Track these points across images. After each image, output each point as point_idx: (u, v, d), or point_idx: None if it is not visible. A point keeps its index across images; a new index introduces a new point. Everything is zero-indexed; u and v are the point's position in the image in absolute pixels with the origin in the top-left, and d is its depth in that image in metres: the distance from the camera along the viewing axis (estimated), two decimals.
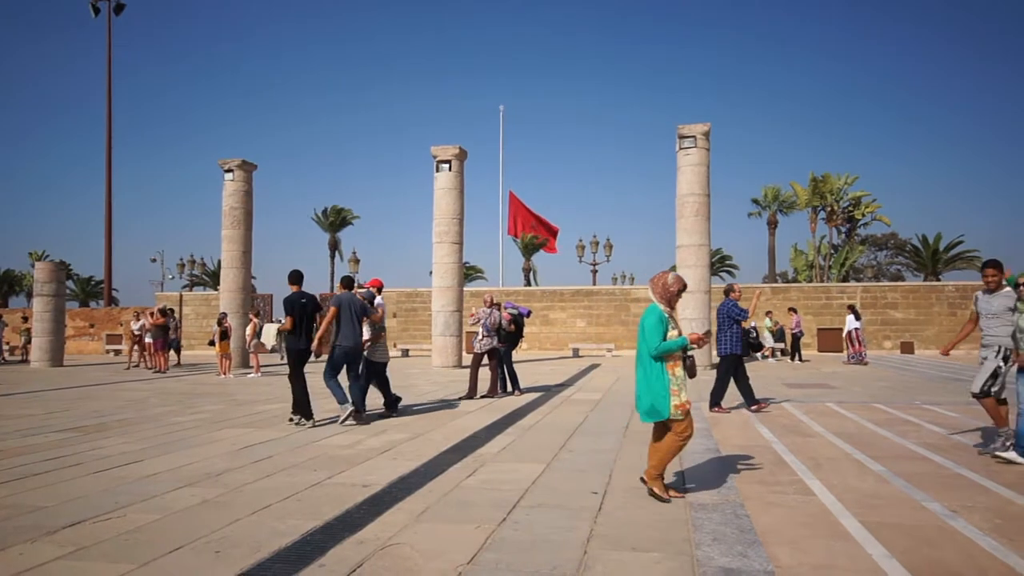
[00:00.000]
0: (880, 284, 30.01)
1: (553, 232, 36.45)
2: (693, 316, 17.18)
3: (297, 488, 5.10)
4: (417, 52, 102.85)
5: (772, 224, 44.26)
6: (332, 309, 8.36)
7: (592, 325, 26.67)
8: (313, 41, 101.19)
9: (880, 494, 4.87)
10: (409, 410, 9.56)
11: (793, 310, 21.76)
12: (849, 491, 4.94)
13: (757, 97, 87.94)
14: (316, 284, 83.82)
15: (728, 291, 9.67)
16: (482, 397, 10.83)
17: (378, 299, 9.24)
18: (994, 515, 4.31)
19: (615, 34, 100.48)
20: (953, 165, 77.05)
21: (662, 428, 4.81)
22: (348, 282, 8.91)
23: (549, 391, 12.12)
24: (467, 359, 20.11)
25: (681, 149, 17.62)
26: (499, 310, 11.12)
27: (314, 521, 4.25)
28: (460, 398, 10.80)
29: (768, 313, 22.23)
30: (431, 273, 19.60)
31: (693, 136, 17.45)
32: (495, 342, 10.88)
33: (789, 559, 3.57)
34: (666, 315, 4.75)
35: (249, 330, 16.57)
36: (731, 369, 9.40)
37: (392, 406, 9.14)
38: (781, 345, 21.34)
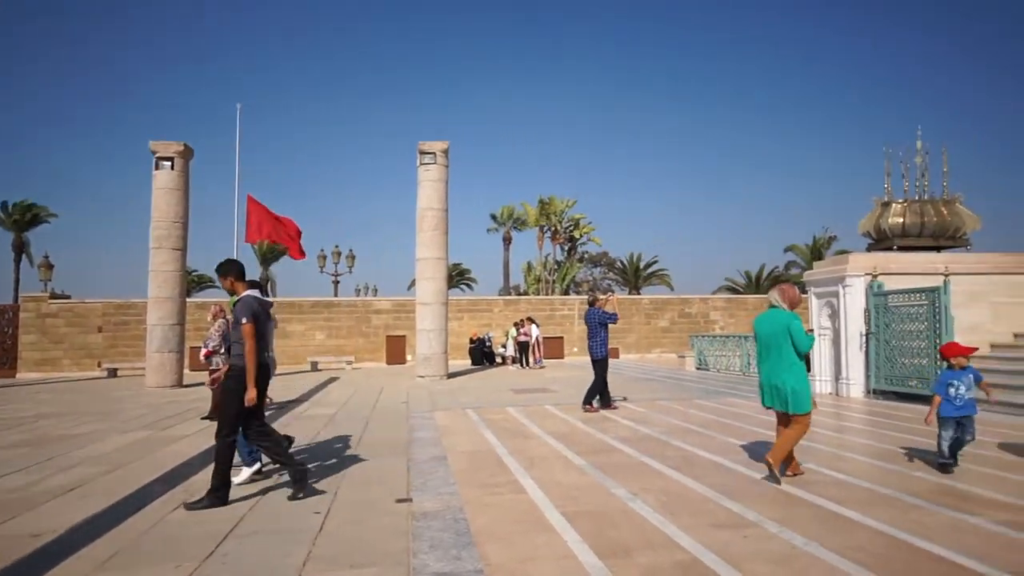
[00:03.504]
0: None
1: (297, 233, 34.55)
2: (431, 327, 17.68)
3: None
4: (141, 36, 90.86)
5: (507, 240, 47.50)
6: None
7: (332, 337, 26.00)
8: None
9: (580, 486, 5.49)
10: (109, 439, 8.36)
11: (528, 321, 23.36)
12: (555, 486, 5.47)
13: (501, 117, 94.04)
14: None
15: (593, 301, 10.57)
16: (203, 419, 9.91)
17: None
18: (663, 495, 5.12)
19: (362, 43, 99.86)
20: (651, 195, 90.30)
21: (786, 418, 5.61)
22: None
23: (282, 408, 11.53)
24: (190, 377, 18.24)
25: (422, 164, 18.09)
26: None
27: None
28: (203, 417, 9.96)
29: (516, 323, 23.57)
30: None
31: (433, 153, 18.04)
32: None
33: (498, 556, 3.84)
34: None
35: None
36: (606, 369, 10.28)
37: None
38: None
